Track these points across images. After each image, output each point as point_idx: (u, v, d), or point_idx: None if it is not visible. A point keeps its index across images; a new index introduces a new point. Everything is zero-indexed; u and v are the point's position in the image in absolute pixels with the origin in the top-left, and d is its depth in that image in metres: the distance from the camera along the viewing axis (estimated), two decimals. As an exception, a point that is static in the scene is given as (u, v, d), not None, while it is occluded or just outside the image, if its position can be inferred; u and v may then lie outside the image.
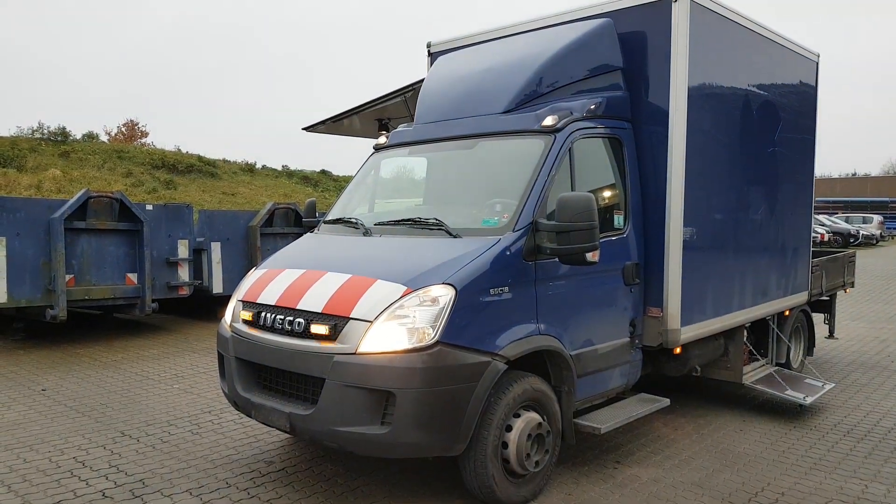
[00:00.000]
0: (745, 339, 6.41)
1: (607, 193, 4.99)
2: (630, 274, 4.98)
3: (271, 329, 4.18)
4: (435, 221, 4.45)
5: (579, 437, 4.73)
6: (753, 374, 6.50)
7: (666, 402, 5.21)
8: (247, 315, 4.41)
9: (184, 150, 31.83)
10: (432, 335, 3.67)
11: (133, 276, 9.40)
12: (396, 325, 3.71)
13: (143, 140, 38.50)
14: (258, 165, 32.87)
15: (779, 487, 4.48)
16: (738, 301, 6.11)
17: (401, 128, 5.65)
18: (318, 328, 3.88)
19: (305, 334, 3.96)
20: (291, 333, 4.04)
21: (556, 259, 4.27)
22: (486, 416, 3.87)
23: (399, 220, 4.68)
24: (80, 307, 9.27)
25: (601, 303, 4.81)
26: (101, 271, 9.21)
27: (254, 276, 4.75)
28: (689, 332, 5.34)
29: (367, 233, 4.75)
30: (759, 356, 6.79)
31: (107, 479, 4.44)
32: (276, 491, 4.26)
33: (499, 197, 4.59)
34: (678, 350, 5.44)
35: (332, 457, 4.80)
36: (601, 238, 4.66)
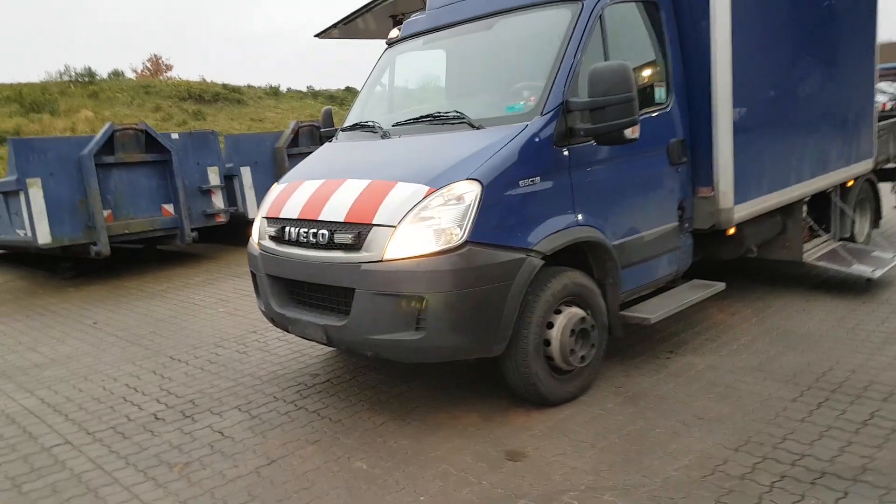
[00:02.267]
0: (804, 214, 5.96)
1: (646, 64, 4.50)
2: (676, 152, 4.56)
3: (297, 243, 4.01)
4: (456, 114, 4.09)
5: (628, 329, 4.51)
6: (815, 250, 6.09)
7: (721, 286, 4.91)
8: (272, 231, 4.24)
9: (208, 80, 31.43)
10: (460, 235, 3.42)
11: (169, 207, 9.38)
12: (422, 227, 3.47)
13: (169, 74, 38.20)
14: (283, 88, 32.32)
15: (848, 365, 4.20)
16: (796, 174, 5.62)
17: (413, 16, 5.19)
18: (343, 238, 3.68)
19: (331, 245, 3.76)
20: (317, 246, 3.85)
21: (592, 141, 3.90)
22: (525, 314, 3.66)
23: (418, 118, 4.34)
24: (122, 242, 9.38)
25: (645, 186, 4.44)
26: (136, 204, 9.22)
27: (275, 191, 4.54)
28: (744, 211, 4.94)
29: (385, 135, 4.44)
30: (820, 232, 6.34)
31: (158, 401, 4.49)
32: (322, 401, 4.22)
33: (524, 79, 4.19)
34: (732, 230, 5.07)
35: (374, 366, 4.73)
36: (641, 114, 4.25)
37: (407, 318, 3.47)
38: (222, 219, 9.95)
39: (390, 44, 5.26)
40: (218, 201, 9.89)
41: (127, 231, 9.03)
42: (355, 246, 3.62)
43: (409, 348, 3.54)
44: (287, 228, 4.09)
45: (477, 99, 4.54)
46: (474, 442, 3.54)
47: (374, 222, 3.58)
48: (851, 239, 6.70)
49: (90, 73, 28.70)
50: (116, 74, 31.45)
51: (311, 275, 3.89)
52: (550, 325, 3.80)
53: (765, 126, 5.19)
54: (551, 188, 3.77)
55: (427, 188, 3.53)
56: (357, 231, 3.63)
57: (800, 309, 5.45)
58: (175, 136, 9.81)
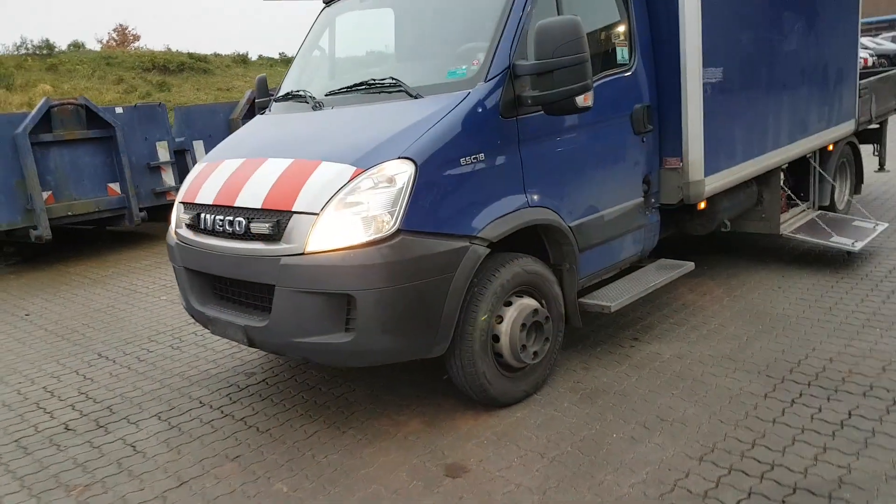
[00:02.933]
0: (781, 183, 5.58)
1: (605, 20, 4.04)
2: (640, 120, 4.12)
3: (213, 232, 3.54)
4: (392, 81, 3.62)
5: (588, 318, 4.14)
6: (793, 221, 5.74)
7: (689, 266, 4.53)
8: (187, 219, 3.77)
9: (174, 50, 30.29)
10: (392, 223, 2.98)
11: (115, 186, 8.80)
12: (348, 214, 3.03)
13: (136, 45, 36.82)
14: (252, 56, 31.25)
15: (825, 352, 3.86)
16: (773, 140, 5.23)
17: (352, -29, 4.65)
18: (260, 227, 3.22)
19: (248, 235, 3.31)
20: (233, 236, 3.40)
21: (543, 111, 3.45)
22: (469, 309, 3.25)
23: (352, 86, 3.85)
24: (67, 224, 8.81)
25: (606, 159, 4.02)
26: (79, 184, 8.62)
27: (194, 172, 4.06)
28: (715, 183, 4.55)
29: (317, 106, 3.95)
30: (798, 201, 5.98)
31: (73, 408, 4.06)
32: (252, 406, 3.82)
33: (470, 40, 3.71)
34: (703, 205, 4.68)
35: (316, 363, 4.33)
36: (600, 78, 3.82)
37: (334, 319, 3.05)
38: (174, 197, 9.37)
39: (328, 2, 4.73)
40: (168, 178, 9.32)
41: (70, 213, 8.45)
42: (274, 237, 3.17)
43: (338, 352, 3.13)
44: (203, 216, 3.62)
45: (421, 63, 4.07)
46: (413, 454, 3.16)
47: (294, 209, 3.13)
48: (831, 207, 6.36)
49: (48, 46, 27.49)
50: (77, 46, 30.19)
51: (227, 269, 3.44)
52: (500, 320, 3.41)
53: (739, 88, 4.77)
54: (498, 166, 3.34)
55: (353, 169, 3.08)
56: (276, 219, 3.18)
57: (775, 286, 5.10)
58: (119, 110, 9.19)
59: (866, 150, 7.41)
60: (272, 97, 4.65)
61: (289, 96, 4.31)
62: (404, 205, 2.99)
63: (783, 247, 6.11)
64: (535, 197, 3.52)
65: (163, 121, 9.51)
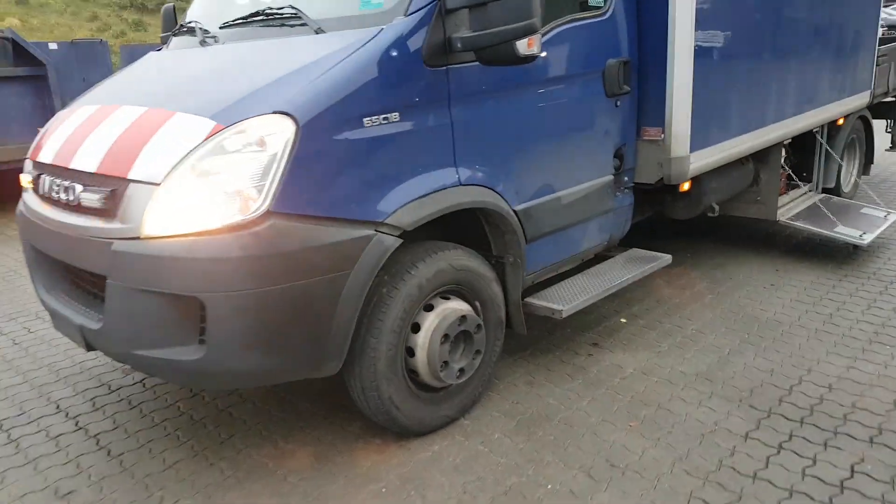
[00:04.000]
0: (782, 160, 4.81)
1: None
2: (615, 78, 3.32)
3: (50, 200, 2.76)
4: (291, 11, 2.78)
5: (535, 321, 3.41)
6: (792, 206, 4.99)
7: (665, 259, 3.79)
8: (30, 180, 2.99)
9: (154, -14, 28.79)
10: (259, 203, 2.20)
11: (45, 132, 7.93)
12: (200, 187, 2.24)
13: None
14: (239, -4, 29.73)
15: (823, 376, 3.16)
16: (776, 111, 4.43)
17: None
18: (90, 198, 2.44)
19: (80, 207, 2.53)
20: (68, 206, 2.62)
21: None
22: (374, 316, 2.51)
23: (247, 17, 3.01)
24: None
25: (567, 127, 3.22)
26: (6, 128, 7.74)
27: (51, 120, 3.25)
28: (703, 160, 3.76)
29: (204, 42, 3.12)
30: (799, 182, 5.22)
31: None
32: (114, 418, 3.09)
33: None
34: (687, 186, 3.91)
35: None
36: (564, 22, 3.02)
37: (181, 329, 2.29)
38: (114, 147, 8.51)
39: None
40: (107, 126, 8.43)
41: (-7, 160, 7.59)
42: (107, 212, 2.39)
43: (187, 372, 2.38)
44: (42, 178, 2.83)
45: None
46: None
47: (129, 176, 2.34)
48: (836, 190, 5.60)
49: (17, -25, 25.94)
50: (48, -23, 28.64)
51: (59, 250, 2.67)
52: (416, 328, 2.67)
53: (739, 46, 3.94)
54: (418, 131, 2.55)
55: (212, 124, 2.29)
56: (110, 189, 2.39)
57: (767, 283, 4.38)
58: (53, 45, 8.25)
59: (879, 127, 6.61)
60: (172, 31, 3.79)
61: (183, 29, 3.46)
62: (278, 178, 2.20)
63: (779, 233, 5.36)
64: (470, 173, 2.74)
65: (105, 60, 8.61)
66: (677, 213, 4.24)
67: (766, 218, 4.78)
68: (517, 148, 2.95)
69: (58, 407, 3.23)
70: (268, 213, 2.20)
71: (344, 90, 2.35)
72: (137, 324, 2.35)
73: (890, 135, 6.91)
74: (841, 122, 5.51)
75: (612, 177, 3.50)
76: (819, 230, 4.64)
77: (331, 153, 2.31)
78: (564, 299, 3.24)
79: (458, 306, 2.75)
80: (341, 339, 2.41)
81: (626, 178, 3.63)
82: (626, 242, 3.91)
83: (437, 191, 2.61)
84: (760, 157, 4.58)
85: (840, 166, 5.61)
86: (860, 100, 5.62)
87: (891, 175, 7.19)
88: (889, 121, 6.87)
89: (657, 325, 3.81)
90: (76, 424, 3.06)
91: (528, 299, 3.25)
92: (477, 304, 2.89)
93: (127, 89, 3.01)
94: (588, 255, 3.63)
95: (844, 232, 4.60)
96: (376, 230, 2.42)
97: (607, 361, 3.40)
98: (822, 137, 5.33)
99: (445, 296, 2.78)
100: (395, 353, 2.58)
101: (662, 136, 3.53)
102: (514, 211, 2.97)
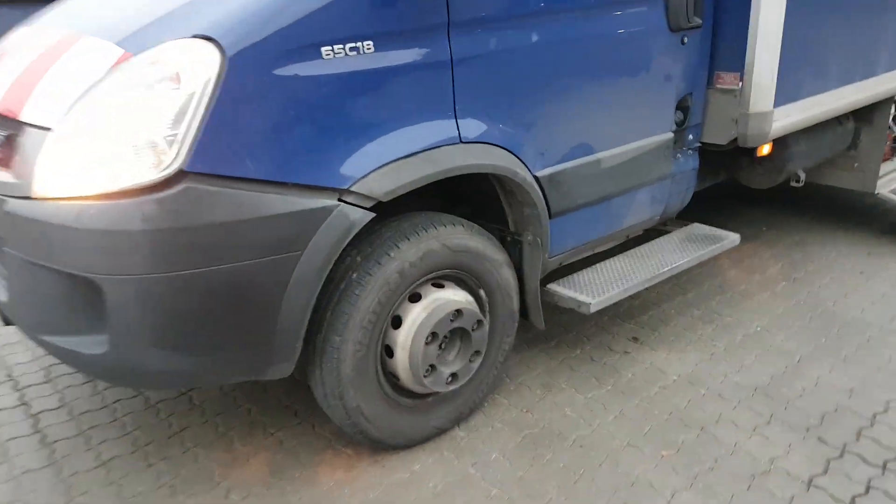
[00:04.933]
0: (891, 119, 3.91)
1: None
2: (682, 7, 2.57)
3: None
4: None
5: (556, 313, 2.82)
6: (895, 177, 4.10)
7: (732, 240, 3.08)
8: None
9: None
10: (171, 158, 1.65)
11: None
12: (95, 134, 1.71)
13: None
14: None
15: (924, 409, 2.47)
16: (889, 57, 3.53)
17: None
18: (-12, 144, 1.96)
19: (-16, 155, 2.06)
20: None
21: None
22: (338, 309, 1.97)
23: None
24: None
25: (615, 68, 2.50)
26: None
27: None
28: (790, 117, 2.98)
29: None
30: (907, 146, 4.29)
31: None
32: (63, 394, 2.70)
33: None
34: (767, 149, 3.15)
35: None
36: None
37: (81, 316, 1.82)
38: None
39: None
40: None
41: None
42: (3, 161, 1.91)
43: (94, 367, 1.92)
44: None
45: None
46: (229, 524, 2.02)
47: (22, 117, 1.84)
48: (953, 157, 4.63)
49: None
50: None
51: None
52: (398, 323, 2.12)
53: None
54: (403, 67, 1.92)
55: (119, 52, 1.74)
56: (6, 133, 1.90)
57: (855, 270, 3.60)
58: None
59: None
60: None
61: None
62: (195, 126, 1.64)
63: (877, 206, 4.48)
64: (475, 126, 2.11)
65: None
66: (753, 182, 3.48)
67: (862, 189, 3.94)
68: (543, 95, 2.28)
69: (9, 375, 2.88)
70: (180, 174, 1.65)
71: (293, 8, 1.74)
72: (37, 304, 1.89)
73: None
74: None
75: (672, 135, 2.78)
76: (930, 208, 3.77)
77: (273, 94, 1.73)
78: (596, 288, 2.61)
79: (453, 297, 2.18)
80: (291, 336, 1.89)
81: (690, 137, 2.90)
82: (687, 213, 3.21)
83: (427, 149, 2.00)
84: (863, 114, 3.71)
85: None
86: None
87: None
88: None
89: (715, 318, 3.14)
90: (20, 399, 2.70)
91: (551, 286, 2.64)
92: (481, 292, 2.31)
93: (63, 10, 2.48)
94: (635, 231, 2.97)
95: (962, 212, 3.73)
96: (340, 199, 1.85)
97: (647, 363, 2.79)
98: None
99: (439, 283, 2.21)
100: (365, 354, 2.05)
101: (740, 84, 2.76)
102: (536, 177, 2.33)
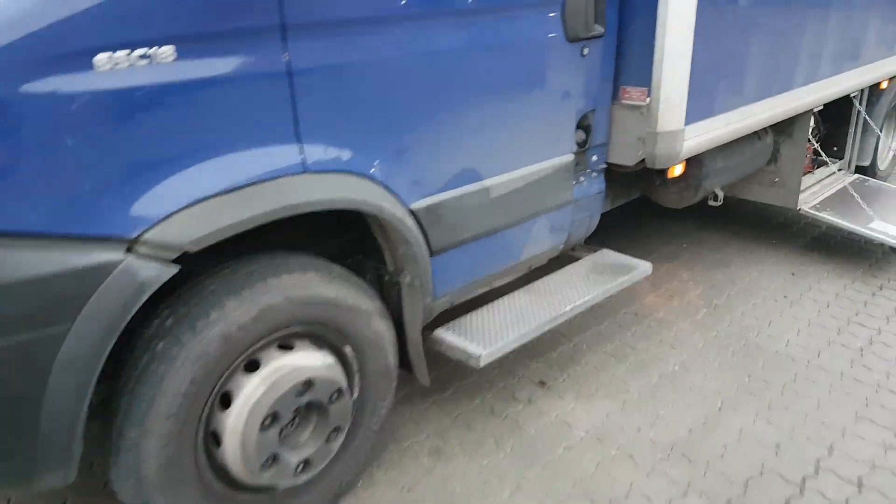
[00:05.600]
0: (810, 132, 3.74)
1: None
2: (582, 14, 2.24)
3: None
4: None
5: (440, 362, 2.45)
6: (818, 190, 3.96)
7: (642, 270, 2.77)
8: None
9: None
10: None
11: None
12: None
13: None
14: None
15: (852, 459, 2.19)
16: (807, 70, 3.35)
17: None
18: None
19: None
20: None
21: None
22: (136, 392, 1.53)
23: None
24: None
25: (503, 83, 2.15)
26: None
27: None
28: (703, 135, 2.71)
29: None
30: (827, 158, 4.14)
31: None
32: None
33: None
34: (679, 170, 2.87)
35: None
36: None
37: None
38: None
39: None
40: None
41: None
42: None
43: None
44: None
45: None
46: None
47: None
48: (871, 169, 4.54)
49: None
50: None
51: None
52: (226, 402, 1.69)
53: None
54: (219, 78, 1.51)
55: None
56: None
57: (779, 293, 3.38)
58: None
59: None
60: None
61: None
62: None
63: (799, 217, 4.31)
64: (326, 151, 1.72)
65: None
66: (667, 202, 3.21)
67: (784, 205, 3.75)
68: (415, 113, 1.91)
69: None
70: None
71: (48, 6, 1.31)
72: None
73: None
74: (884, 84, 4.39)
75: (573, 157, 2.46)
76: (851, 226, 3.60)
77: (22, 117, 1.29)
78: (489, 334, 2.25)
79: (303, 362, 1.77)
80: (61, 438, 1.44)
81: (594, 158, 2.59)
82: (604, 227, 2.88)
83: (257, 182, 1.59)
84: (783, 127, 3.52)
85: (878, 138, 4.53)
86: (911, 57, 4.49)
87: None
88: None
89: (629, 354, 2.84)
90: None
91: (439, 332, 2.27)
92: (347, 349, 1.91)
93: None
94: (537, 262, 2.63)
95: (882, 231, 3.57)
96: (129, 251, 1.42)
97: (553, 414, 2.44)
98: (859, 104, 4.23)
99: (288, 343, 1.79)
100: (177, 449, 1.60)
101: (648, 100, 2.46)
102: (411, 210, 1.95)
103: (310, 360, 1.79)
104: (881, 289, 3.42)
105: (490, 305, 2.42)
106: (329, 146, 1.71)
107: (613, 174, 2.72)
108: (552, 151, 2.37)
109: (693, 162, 2.90)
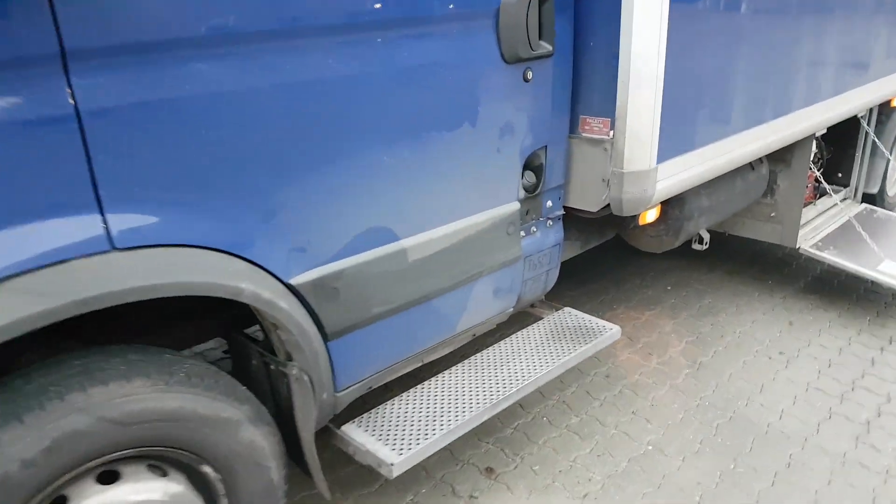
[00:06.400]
0: (811, 159, 3.29)
1: None
2: (522, 29, 1.79)
3: None
4: None
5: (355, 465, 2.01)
6: (819, 224, 3.51)
7: (612, 334, 2.32)
8: None
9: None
10: None
11: None
12: None
13: None
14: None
15: None
16: (809, 88, 2.89)
17: None
18: None
19: None
20: None
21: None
22: None
23: None
24: None
25: (414, 116, 1.69)
26: None
27: None
28: (680, 174, 2.26)
29: None
30: (828, 187, 3.69)
31: None
32: None
33: None
34: (653, 214, 2.43)
35: None
36: None
37: None
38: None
39: None
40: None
41: None
42: None
43: None
44: None
45: None
46: None
47: None
48: (880, 196, 4.08)
49: None
50: None
51: None
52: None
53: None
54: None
55: None
56: None
57: (773, 349, 2.92)
58: None
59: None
60: None
61: None
62: None
63: (796, 253, 3.85)
64: (143, 219, 1.27)
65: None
66: (644, 246, 2.76)
67: (781, 243, 3.30)
68: (286, 161, 1.46)
69: None
70: None
71: None
72: None
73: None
74: (895, 102, 3.95)
75: (518, 204, 2.01)
76: (858, 269, 3.14)
77: None
78: (410, 431, 1.80)
79: (128, 497, 1.32)
80: None
81: (548, 204, 2.14)
82: (581, 266, 2.46)
83: (36, 269, 1.14)
84: (780, 155, 3.07)
85: (888, 162, 4.08)
86: (924, 71, 4.04)
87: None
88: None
89: (596, 430, 2.39)
90: None
91: (346, 429, 1.82)
92: (206, 469, 1.46)
93: None
94: (481, 330, 2.18)
95: (892, 274, 3.11)
96: None
97: (492, 521, 2.00)
98: (867, 124, 3.78)
99: (114, 470, 1.35)
100: None
101: (611, 132, 2.02)
102: (291, 287, 1.51)
103: (142, 494, 1.34)
104: (891, 342, 2.96)
105: (417, 389, 1.97)
106: (146, 213, 1.27)
107: (574, 219, 2.27)
108: (491, 200, 1.92)
109: (672, 202, 2.46)
